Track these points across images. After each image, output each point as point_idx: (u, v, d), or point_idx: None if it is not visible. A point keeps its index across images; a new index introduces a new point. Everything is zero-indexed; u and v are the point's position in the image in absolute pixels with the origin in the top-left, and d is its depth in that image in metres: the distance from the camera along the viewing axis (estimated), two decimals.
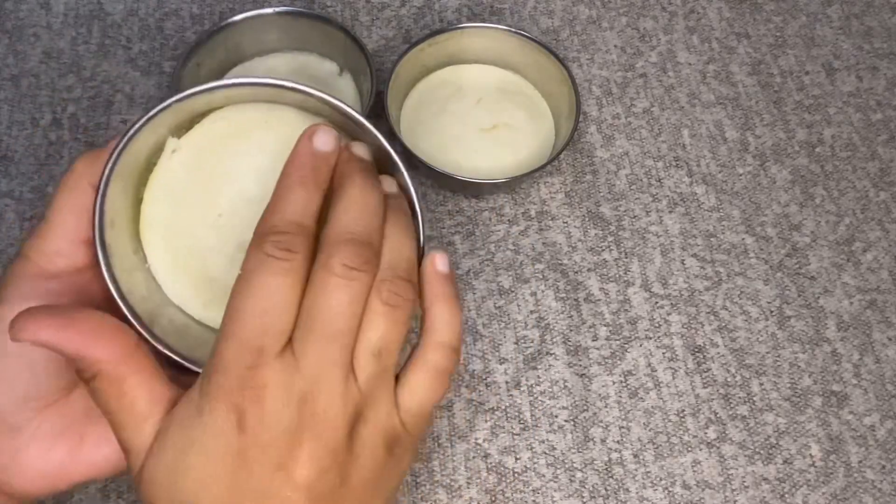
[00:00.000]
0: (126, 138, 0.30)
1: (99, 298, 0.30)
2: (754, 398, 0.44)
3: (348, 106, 0.31)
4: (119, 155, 0.30)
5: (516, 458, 0.42)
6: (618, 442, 0.43)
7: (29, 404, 0.30)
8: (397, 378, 0.30)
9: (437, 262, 0.31)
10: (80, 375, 0.27)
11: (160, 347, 0.30)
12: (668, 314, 0.46)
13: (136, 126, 0.30)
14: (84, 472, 0.31)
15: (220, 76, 0.50)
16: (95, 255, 0.30)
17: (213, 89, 0.31)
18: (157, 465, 0.27)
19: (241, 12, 0.49)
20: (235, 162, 0.33)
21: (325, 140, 0.30)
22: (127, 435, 0.27)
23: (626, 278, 0.47)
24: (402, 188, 0.32)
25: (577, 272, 0.47)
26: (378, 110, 0.48)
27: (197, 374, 0.29)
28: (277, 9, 0.49)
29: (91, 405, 0.30)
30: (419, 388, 0.30)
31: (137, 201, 0.33)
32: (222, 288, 0.33)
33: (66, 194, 0.30)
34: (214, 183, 0.33)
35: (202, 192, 0.33)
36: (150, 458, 0.27)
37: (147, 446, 0.27)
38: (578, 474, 0.42)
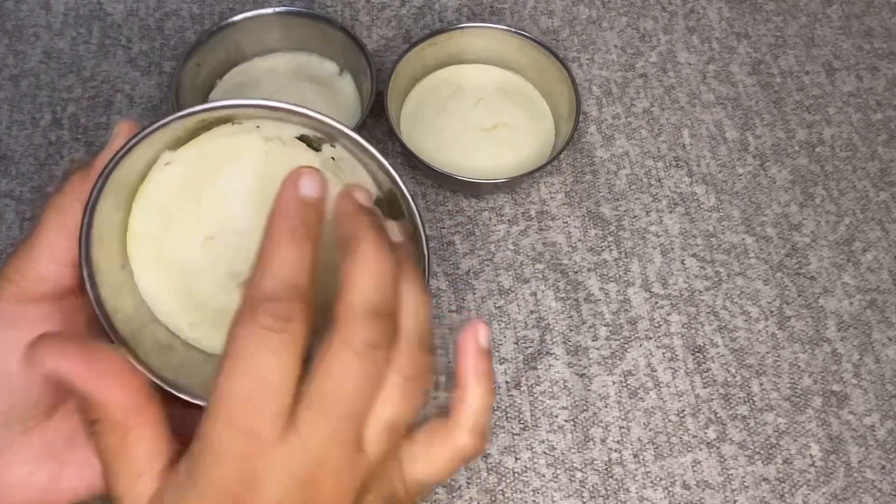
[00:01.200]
0: (121, 153, 0.28)
1: (82, 324, 0.29)
2: (754, 398, 0.44)
3: (354, 131, 0.30)
4: (113, 168, 0.28)
5: (516, 458, 0.42)
6: (618, 442, 0.43)
7: (9, 429, 0.29)
8: (411, 435, 0.28)
9: (480, 335, 0.29)
10: (84, 414, 0.26)
11: (143, 370, 0.29)
12: (668, 314, 0.46)
13: (133, 141, 0.28)
14: (66, 498, 0.30)
15: (220, 76, 0.50)
16: (81, 274, 0.28)
17: (212, 109, 0.29)
18: None
19: (241, 12, 0.49)
20: (228, 182, 0.32)
21: (312, 186, 0.27)
22: (119, 485, 0.26)
23: (626, 278, 0.47)
24: (411, 222, 0.31)
25: (577, 272, 0.47)
26: (378, 110, 0.48)
27: (180, 399, 0.28)
28: (277, 9, 0.49)
29: (73, 431, 0.30)
30: (436, 464, 0.28)
31: (128, 215, 0.32)
32: (209, 310, 0.32)
33: (56, 215, 0.29)
34: (205, 203, 0.32)
35: (192, 212, 0.32)
36: None
37: (140, 502, 0.26)
38: (578, 474, 0.42)
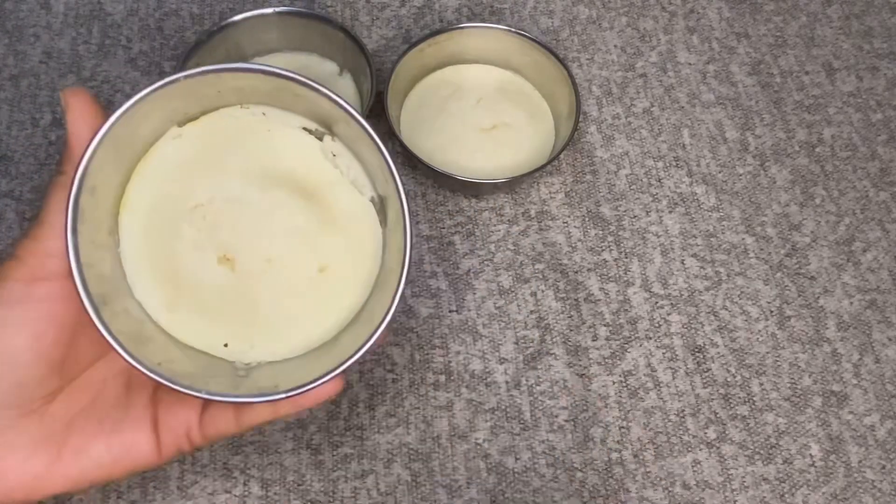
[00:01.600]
0: (130, 104, 0.28)
1: (85, 318, 0.29)
2: (754, 398, 0.44)
3: (356, 110, 0.30)
4: (118, 118, 0.28)
5: (516, 459, 0.42)
6: (618, 442, 0.43)
7: (8, 411, 0.29)
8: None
9: None
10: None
11: (99, 327, 0.28)
12: (668, 314, 0.46)
13: (143, 93, 0.29)
14: (61, 486, 0.30)
15: None
16: (65, 215, 0.28)
17: (222, 71, 0.30)
18: None
19: (241, 12, 0.49)
20: (227, 159, 0.32)
21: None
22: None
23: (626, 278, 0.47)
24: (401, 211, 0.31)
25: (577, 272, 0.47)
26: (378, 110, 0.48)
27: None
28: (277, 9, 0.49)
29: (73, 417, 0.30)
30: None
31: (126, 182, 0.31)
32: (187, 292, 0.32)
33: (61, 191, 0.29)
34: (201, 175, 0.32)
35: (187, 183, 0.32)
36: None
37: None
38: (578, 474, 0.42)
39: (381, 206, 0.33)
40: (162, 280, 0.32)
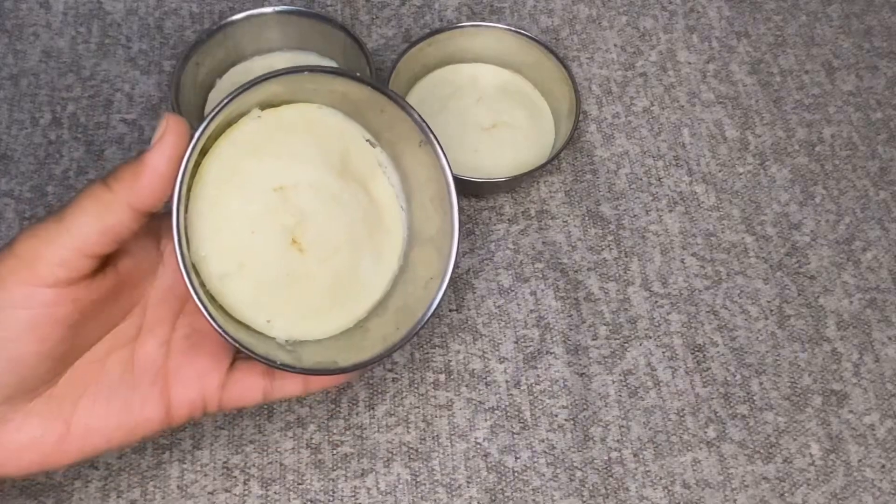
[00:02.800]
0: (213, 115, 0.30)
1: (89, 307, 0.30)
2: (754, 397, 0.44)
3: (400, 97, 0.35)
4: (203, 132, 0.30)
5: (516, 458, 0.42)
6: (618, 441, 0.43)
7: (15, 399, 0.30)
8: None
9: None
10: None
11: (198, 294, 0.29)
12: (668, 313, 0.46)
13: (224, 104, 0.30)
14: (72, 458, 0.31)
15: (219, 75, 0.50)
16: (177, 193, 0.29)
17: (337, 74, 0.33)
18: None
19: (240, 11, 0.49)
20: (304, 150, 0.34)
21: None
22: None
23: (625, 277, 0.47)
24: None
25: (576, 271, 0.47)
26: None
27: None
28: (277, 8, 0.49)
29: (79, 393, 0.31)
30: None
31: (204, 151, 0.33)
32: (249, 266, 0.33)
33: (98, 208, 0.28)
34: (280, 158, 0.34)
35: (266, 163, 0.33)
36: None
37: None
38: (578, 473, 0.42)
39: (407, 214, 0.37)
40: (221, 249, 0.32)
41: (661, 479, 0.42)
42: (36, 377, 0.30)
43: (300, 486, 0.40)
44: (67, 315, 0.29)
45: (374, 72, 0.47)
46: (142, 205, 0.28)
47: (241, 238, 0.32)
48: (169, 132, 0.29)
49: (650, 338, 0.45)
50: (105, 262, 0.30)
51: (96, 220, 0.28)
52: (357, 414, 0.42)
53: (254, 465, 0.41)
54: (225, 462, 0.41)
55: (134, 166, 0.28)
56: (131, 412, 0.32)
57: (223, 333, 0.29)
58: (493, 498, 0.41)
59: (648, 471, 0.42)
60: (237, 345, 0.30)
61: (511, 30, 0.50)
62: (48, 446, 0.30)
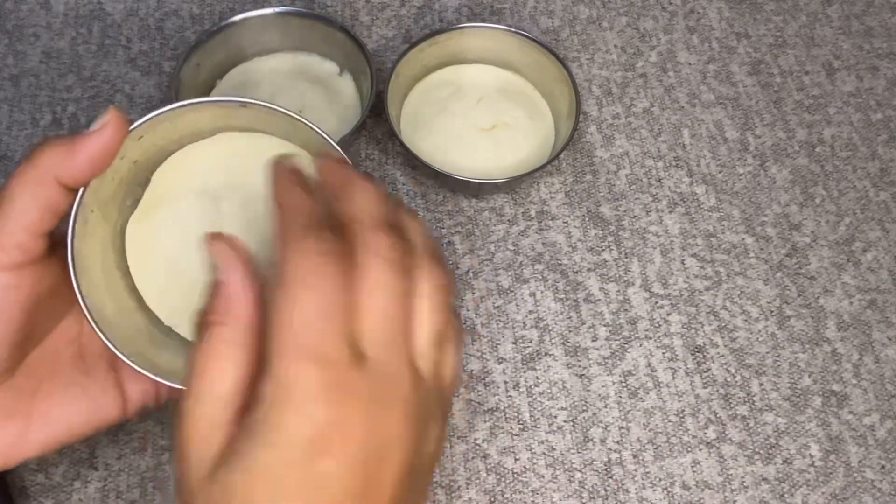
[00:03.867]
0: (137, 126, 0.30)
1: (51, 290, 0.30)
2: (754, 398, 0.44)
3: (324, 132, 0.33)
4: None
5: (515, 459, 0.42)
6: (617, 442, 0.42)
7: None
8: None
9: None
10: (205, 316, 0.26)
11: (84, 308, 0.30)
12: (668, 314, 0.46)
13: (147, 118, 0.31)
14: (34, 450, 0.31)
15: (220, 76, 0.50)
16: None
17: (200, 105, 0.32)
18: (230, 478, 0.23)
19: (241, 12, 0.49)
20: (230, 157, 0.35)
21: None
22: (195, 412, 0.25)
23: (625, 278, 0.47)
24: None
25: (576, 272, 0.47)
26: (378, 110, 0.48)
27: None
28: (277, 9, 0.49)
29: (37, 385, 0.31)
30: (453, 360, 0.28)
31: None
32: (174, 278, 0.34)
33: (30, 186, 0.29)
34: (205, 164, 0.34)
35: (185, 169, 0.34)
36: (222, 467, 0.24)
37: (215, 453, 0.24)
38: (578, 475, 0.42)
39: None
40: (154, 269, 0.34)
41: (660, 480, 0.42)
42: None
43: None
44: (26, 298, 0.29)
45: (375, 72, 0.47)
46: (67, 181, 0.29)
47: (171, 252, 0.34)
48: (110, 125, 0.29)
49: (650, 339, 0.45)
50: (53, 245, 0.30)
51: (32, 196, 0.29)
52: None
53: None
54: None
55: (66, 144, 0.29)
56: (91, 399, 0.32)
57: (126, 359, 0.30)
58: (492, 499, 0.41)
59: (648, 472, 0.42)
60: (139, 369, 0.30)
61: (511, 31, 0.50)
62: (10, 437, 0.30)
